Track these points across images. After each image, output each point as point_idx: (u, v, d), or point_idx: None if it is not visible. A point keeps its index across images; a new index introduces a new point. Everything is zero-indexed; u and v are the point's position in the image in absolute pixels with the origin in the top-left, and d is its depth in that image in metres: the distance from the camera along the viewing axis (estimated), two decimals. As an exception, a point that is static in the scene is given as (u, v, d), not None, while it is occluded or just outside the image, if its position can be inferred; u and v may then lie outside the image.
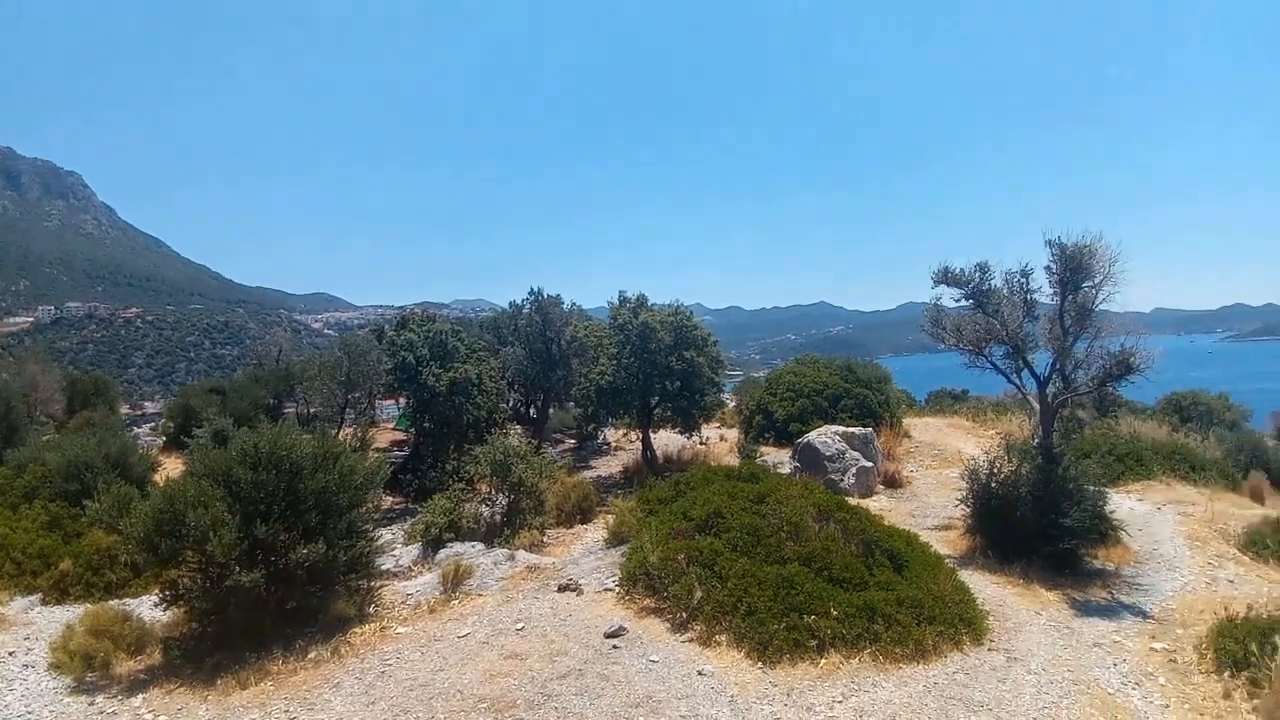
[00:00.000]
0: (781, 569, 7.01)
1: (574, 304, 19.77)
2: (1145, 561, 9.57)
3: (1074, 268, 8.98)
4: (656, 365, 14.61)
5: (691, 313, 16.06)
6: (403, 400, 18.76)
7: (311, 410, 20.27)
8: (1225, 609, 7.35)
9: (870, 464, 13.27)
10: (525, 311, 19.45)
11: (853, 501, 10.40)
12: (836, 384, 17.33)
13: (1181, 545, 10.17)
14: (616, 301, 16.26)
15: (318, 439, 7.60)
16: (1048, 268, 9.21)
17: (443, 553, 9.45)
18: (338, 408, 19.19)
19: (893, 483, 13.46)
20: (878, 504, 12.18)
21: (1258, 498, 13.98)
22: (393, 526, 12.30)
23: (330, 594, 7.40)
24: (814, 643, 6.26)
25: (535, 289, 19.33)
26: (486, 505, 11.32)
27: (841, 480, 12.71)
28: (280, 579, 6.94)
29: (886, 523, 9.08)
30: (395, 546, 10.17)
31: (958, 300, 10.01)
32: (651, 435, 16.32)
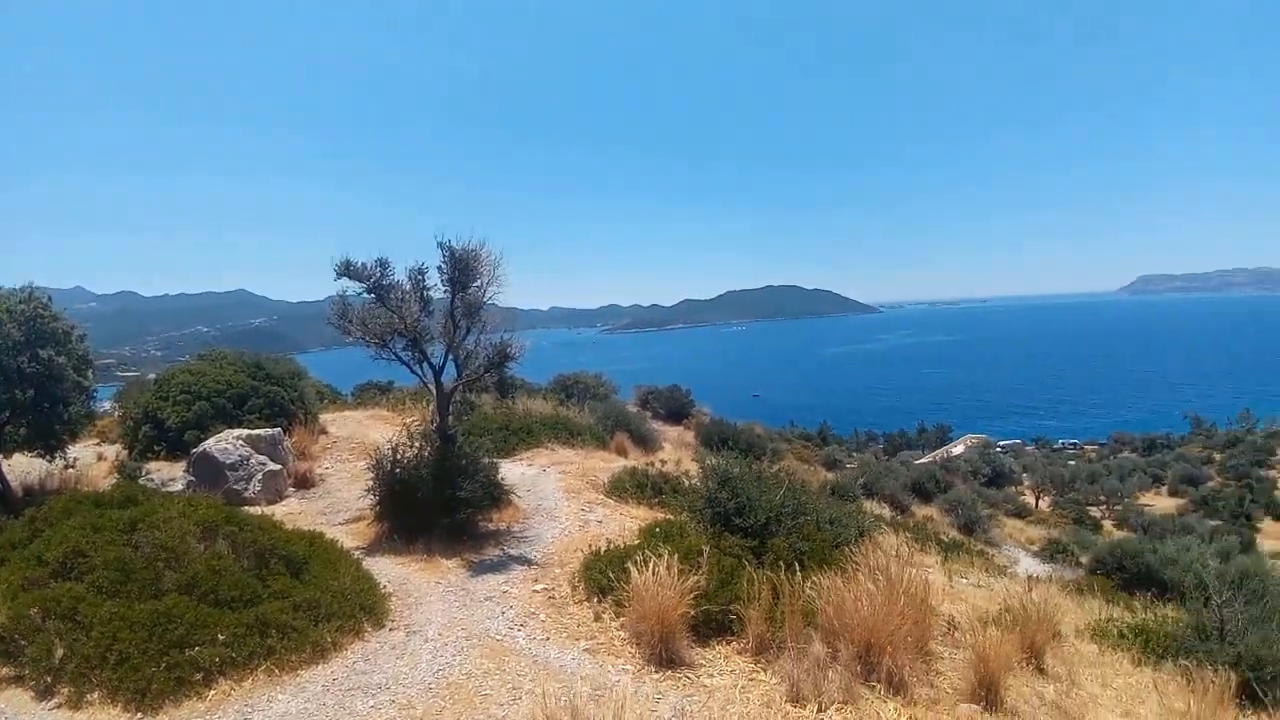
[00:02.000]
0: (158, 604, 5.95)
1: None
2: (531, 516, 10.74)
3: (462, 269, 9.83)
4: (2, 369, 10.59)
5: (50, 299, 11.88)
6: None
7: None
8: (591, 545, 8.40)
9: (279, 466, 12.40)
10: None
11: (256, 511, 9.56)
12: (243, 382, 15.56)
13: (561, 498, 11.57)
14: None
15: None
16: (439, 268, 9.90)
17: None
18: None
19: (305, 483, 12.84)
20: (287, 508, 11.44)
21: (621, 453, 17.33)
22: None
23: None
24: (199, 676, 5.52)
25: None
26: None
27: (246, 489, 11.57)
28: None
29: (291, 527, 8.55)
30: None
31: (359, 294, 10.07)
32: (4, 462, 11.79)
